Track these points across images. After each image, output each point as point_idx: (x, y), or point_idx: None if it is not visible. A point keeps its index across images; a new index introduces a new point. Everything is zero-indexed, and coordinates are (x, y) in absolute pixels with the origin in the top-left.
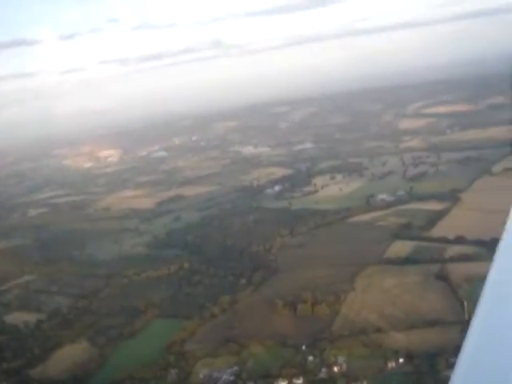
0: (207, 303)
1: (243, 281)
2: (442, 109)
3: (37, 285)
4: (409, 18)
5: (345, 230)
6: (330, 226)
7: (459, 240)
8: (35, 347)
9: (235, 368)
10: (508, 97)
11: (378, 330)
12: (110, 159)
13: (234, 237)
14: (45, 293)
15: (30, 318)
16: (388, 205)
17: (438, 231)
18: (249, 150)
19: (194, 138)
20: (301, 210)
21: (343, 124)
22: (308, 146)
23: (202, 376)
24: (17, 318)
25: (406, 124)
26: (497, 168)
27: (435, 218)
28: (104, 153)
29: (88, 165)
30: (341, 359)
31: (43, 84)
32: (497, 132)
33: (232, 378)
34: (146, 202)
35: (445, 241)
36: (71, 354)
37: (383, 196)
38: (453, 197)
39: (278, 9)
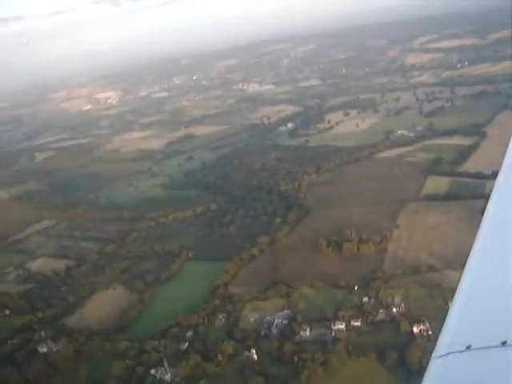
0: (244, 244)
1: (278, 220)
2: (448, 43)
3: (58, 230)
4: None
5: (373, 166)
6: (357, 163)
7: (497, 175)
8: (69, 295)
9: (287, 311)
10: None
11: (432, 268)
12: (109, 101)
13: (258, 176)
14: (68, 238)
15: (58, 264)
16: (412, 140)
17: (471, 166)
18: (253, 87)
19: (194, 78)
20: (320, 147)
21: (348, 60)
22: (314, 82)
23: (252, 320)
24: (43, 265)
25: (413, 59)
26: None
27: (465, 153)
28: (103, 95)
29: (87, 107)
30: (398, 300)
31: (33, 27)
32: (509, 66)
33: (285, 322)
34: (156, 143)
35: (481, 176)
36: (108, 300)
37: (403, 131)
38: (477, 132)
39: None
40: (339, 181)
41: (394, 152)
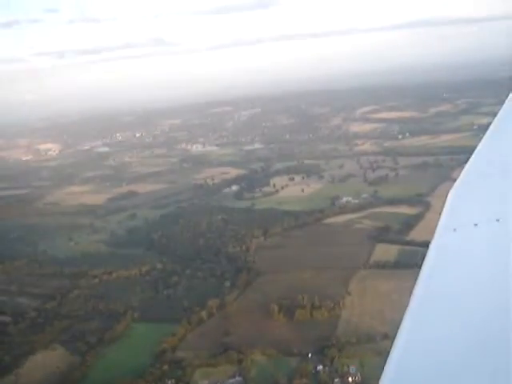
0: (192, 306)
1: (227, 283)
2: (389, 114)
3: None
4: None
5: (321, 231)
6: (305, 228)
7: None
8: (4, 354)
9: (239, 378)
10: (455, 105)
11: (386, 336)
12: (50, 153)
13: (204, 237)
14: (4, 293)
15: None
16: (358, 207)
17: (418, 235)
18: (197, 148)
19: (137, 135)
20: (267, 210)
21: (292, 125)
22: (258, 146)
23: None
24: None
25: (355, 128)
26: (456, 174)
27: (411, 222)
28: (43, 146)
29: (27, 158)
30: (353, 368)
31: None
32: (449, 139)
33: None
34: (97, 198)
35: (428, 245)
36: (47, 361)
37: (348, 199)
38: (421, 201)
39: (223, 9)
40: (288, 245)
41: (341, 218)
